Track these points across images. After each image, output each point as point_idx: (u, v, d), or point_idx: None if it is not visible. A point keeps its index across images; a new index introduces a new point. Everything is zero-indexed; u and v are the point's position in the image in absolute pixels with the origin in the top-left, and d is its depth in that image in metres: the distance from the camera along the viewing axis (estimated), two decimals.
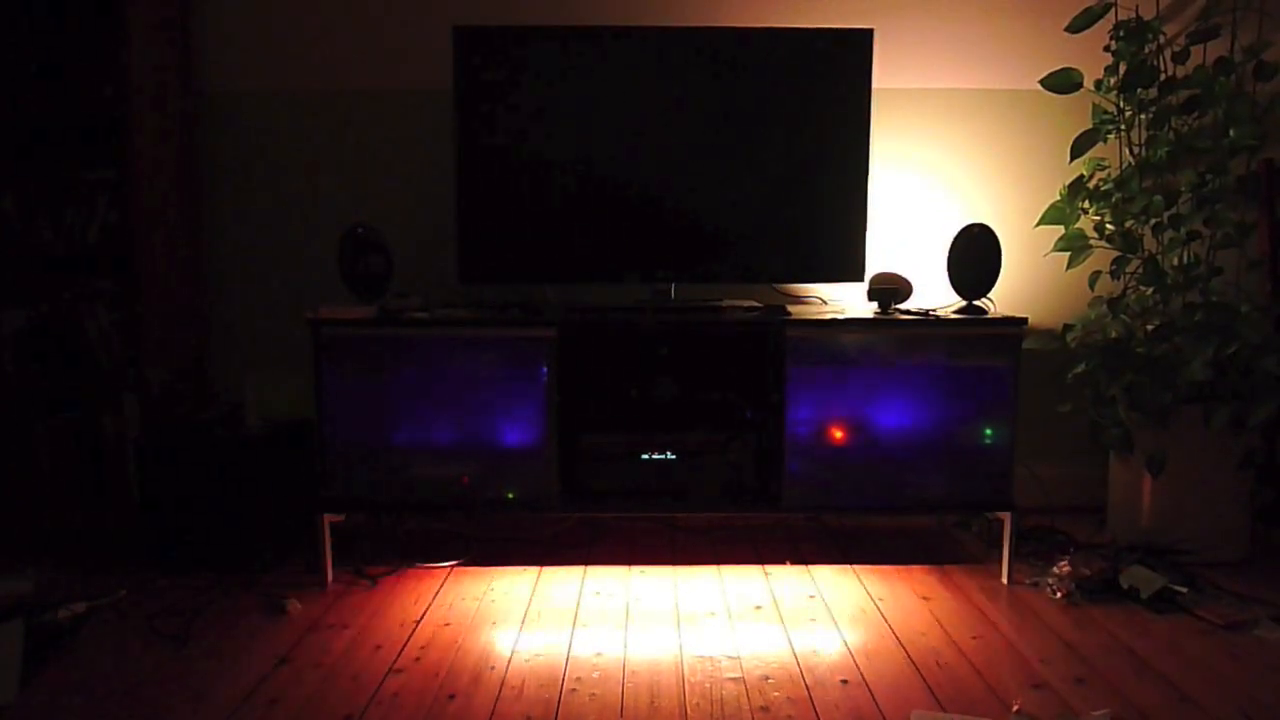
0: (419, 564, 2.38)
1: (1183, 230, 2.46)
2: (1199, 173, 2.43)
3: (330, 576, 2.27)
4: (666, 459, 2.30)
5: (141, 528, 2.34)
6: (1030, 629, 2.01)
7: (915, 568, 2.37)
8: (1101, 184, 2.56)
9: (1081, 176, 2.57)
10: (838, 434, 2.27)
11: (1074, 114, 2.62)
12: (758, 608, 2.12)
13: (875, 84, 2.43)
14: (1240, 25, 2.53)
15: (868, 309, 2.38)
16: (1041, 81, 2.53)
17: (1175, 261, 2.49)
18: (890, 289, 2.36)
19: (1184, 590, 2.13)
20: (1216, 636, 1.97)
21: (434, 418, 2.24)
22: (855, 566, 2.38)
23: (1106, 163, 2.58)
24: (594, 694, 1.72)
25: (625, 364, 2.36)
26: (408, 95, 2.70)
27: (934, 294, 2.58)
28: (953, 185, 2.75)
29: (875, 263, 2.61)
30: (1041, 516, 2.63)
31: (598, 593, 2.21)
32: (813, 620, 2.06)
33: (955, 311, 2.33)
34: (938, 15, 2.70)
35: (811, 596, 2.19)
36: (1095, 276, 2.61)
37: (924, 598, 2.18)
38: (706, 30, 2.41)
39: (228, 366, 2.78)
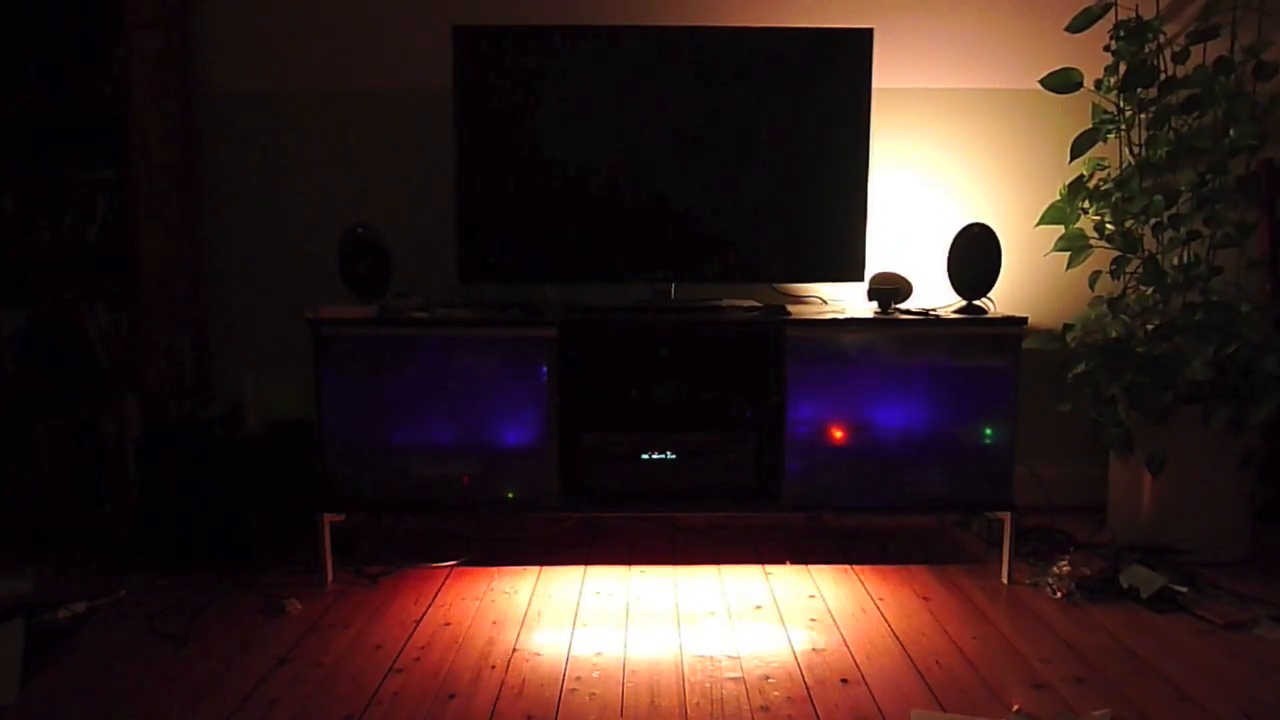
0: (419, 564, 2.38)
1: (1183, 230, 2.46)
2: (1199, 172, 2.43)
3: (330, 576, 2.27)
4: (666, 459, 2.30)
5: (141, 528, 2.34)
6: (1030, 629, 2.01)
7: (915, 568, 2.37)
8: (1101, 184, 2.57)
9: (1081, 176, 2.57)
10: (838, 434, 2.27)
11: (1074, 114, 2.62)
12: (758, 607, 2.12)
13: (875, 84, 2.43)
14: (1240, 25, 2.53)
15: (868, 309, 2.38)
16: (1041, 81, 2.53)
17: (1175, 261, 2.49)
18: (890, 289, 2.36)
19: (1184, 590, 2.13)
20: (1216, 636, 1.97)
21: (434, 417, 2.24)
22: (855, 566, 2.38)
23: (1106, 162, 2.58)
24: (594, 693, 1.72)
25: (625, 364, 2.36)
26: (408, 95, 2.70)
27: (934, 294, 2.58)
28: (953, 185, 2.75)
29: (875, 263, 2.61)
30: (1041, 516, 2.63)
31: (598, 592, 2.21)
32: (813, 620, 2.06)
33: (955, 311, 2.33)
34: (937, 15, 2.70)
35: (811, 596, 2.19)
36: (1095, 276, 2.61)
37: (924, 598, 2.18)
38: (707, 30, 2.41)
39: (228, 366, 2.78)
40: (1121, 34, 2.46)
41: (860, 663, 1.85)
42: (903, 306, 2.38)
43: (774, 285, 2.65)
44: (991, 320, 2.27)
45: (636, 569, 2.37)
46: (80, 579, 2.25)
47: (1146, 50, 2.46)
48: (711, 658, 1.87)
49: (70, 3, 2.48)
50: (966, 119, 2.73)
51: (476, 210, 2.42)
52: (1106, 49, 2.50)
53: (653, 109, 2.41)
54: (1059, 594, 2.16)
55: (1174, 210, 2.46)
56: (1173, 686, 1.75)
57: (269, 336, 2.77)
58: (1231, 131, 2.42)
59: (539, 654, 1.89)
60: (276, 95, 2.72)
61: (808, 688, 1.74)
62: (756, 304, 2.49)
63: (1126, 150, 2.54)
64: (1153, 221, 2.49)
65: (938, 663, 1.85)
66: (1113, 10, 2.49)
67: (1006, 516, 2.27)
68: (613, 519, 2.73)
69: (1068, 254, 2.59)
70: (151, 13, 2.50)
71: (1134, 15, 2.48)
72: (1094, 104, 2.56)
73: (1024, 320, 2.25)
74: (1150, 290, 2.47)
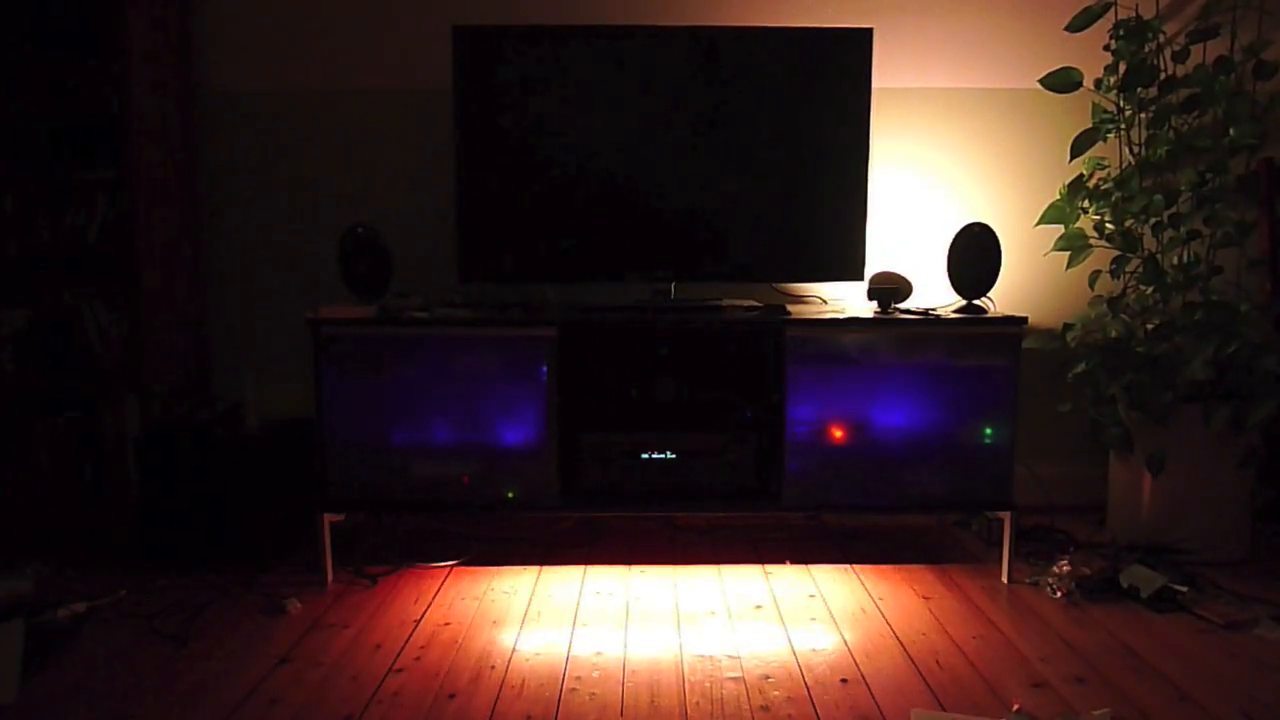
0: (419, 564, 2.38)
1: (1183, 229, 2.46)
2: (1199, 172, 2.43)
3: (330, 576, 2.27)
4: (666, 458, 2.30)
5: (141, 527, 2.35)
6: (1030, 628, 2.01)
7: (915, 567, 2.36)
8: (1101, 183, 2.56)
9: (1081, 176, 2.57)
10: (838, 433, 2.27)
11: (1074, 113, 2.62)
12: (758, 607, 2.12)
13: (875, 83, 2.43)
14: (1240, 24, 2.53)
15: (868, 308, 2.38)
16: (1041, 81, 2.53)
17: (1175, 260, 2.49)
18: (890, 288, 2.36)
19: (1184, 589, 2.13)
20: (1216, 636, 1.97)
21: (434, 417, 2.24)
22: (855, 566, 2.38)
23: (1106, 162, 2.58)
24: (594, 693, 1.72)
25: (625, 364, 2.36)
26: (408, 95, 2.70)
27: (934, 293, 2.58)
28: (952, 185, 2.75)
29: (875, 262, 2.61)
30: (1041, 516, 2.63)
31: (598, 592, 2.21)
32: (813, 620, 2.06)
33: (955, 311, 2.33)
34: (937, 15, 2.70)
35: (811, 596, 2.19)
36: (1095, 276, 2.60)
37: (924, 597, 2.18)
38: (707, 30, 2.41)
39: (228, 366, 2.78)
40: (1121, 33, 2.46)
41: (860, 662, 1.85)
42: (903, 306, 2.38)
43: (774, 285, 2.65)
44: (991, 320, 2.27)
45: (636, 569, 2.37)
46: (80, 579, 2.25)
47: (1146, 50, 2.45)
48: (711, 657, 1.87)
49: (70, 2, 2.48)
50: (966, 119, 2.73)
51: (476, 210, 2.42)
52: (1106, 48, 2.50)
53: (653, 109, 2.41)
54: (1059, 593, 2.16)
55: (1174, 210, 2.46)
56: (1173, 686, 1.75)
57: (269, 336, 2.77)
58: (1231, 131, 2.42)
59: (539, 654, 1.89)
60: (276, 95, 2.72)
61: (808, 687, 1.74)
62: (756, 304, 2.49)
63: (1126, 150, 2.54)
64: (1153, 221, 2.49)
65: (938, 662, 1.85)
66: (1112, 9, 2.49)
67: (1006, 516, 2.27)
68: (612, 519, 2.73)
69: (1068, 253, 2.59)
70: (152, 12, 2.50)
71: (1134, 14, 2.48)
72: (1094, 103, 2.56)
73: (1024, 320, 2.25)
74: (1150, 290, 2.47)
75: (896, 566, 2.37)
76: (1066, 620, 2.05)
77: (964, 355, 2.25)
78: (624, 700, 1.69)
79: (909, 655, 1.88)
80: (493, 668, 1.83)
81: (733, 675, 1.79)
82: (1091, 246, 2.56)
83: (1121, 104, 2.51)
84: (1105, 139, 2.54)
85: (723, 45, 2.39)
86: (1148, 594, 2.12)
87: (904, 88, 2.71)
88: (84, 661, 1.85)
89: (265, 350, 2.77)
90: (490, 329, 2.24)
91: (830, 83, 2.41)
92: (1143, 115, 2.50)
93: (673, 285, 2.48)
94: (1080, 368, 2.50)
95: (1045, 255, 2.69)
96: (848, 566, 2.38)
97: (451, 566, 2.37)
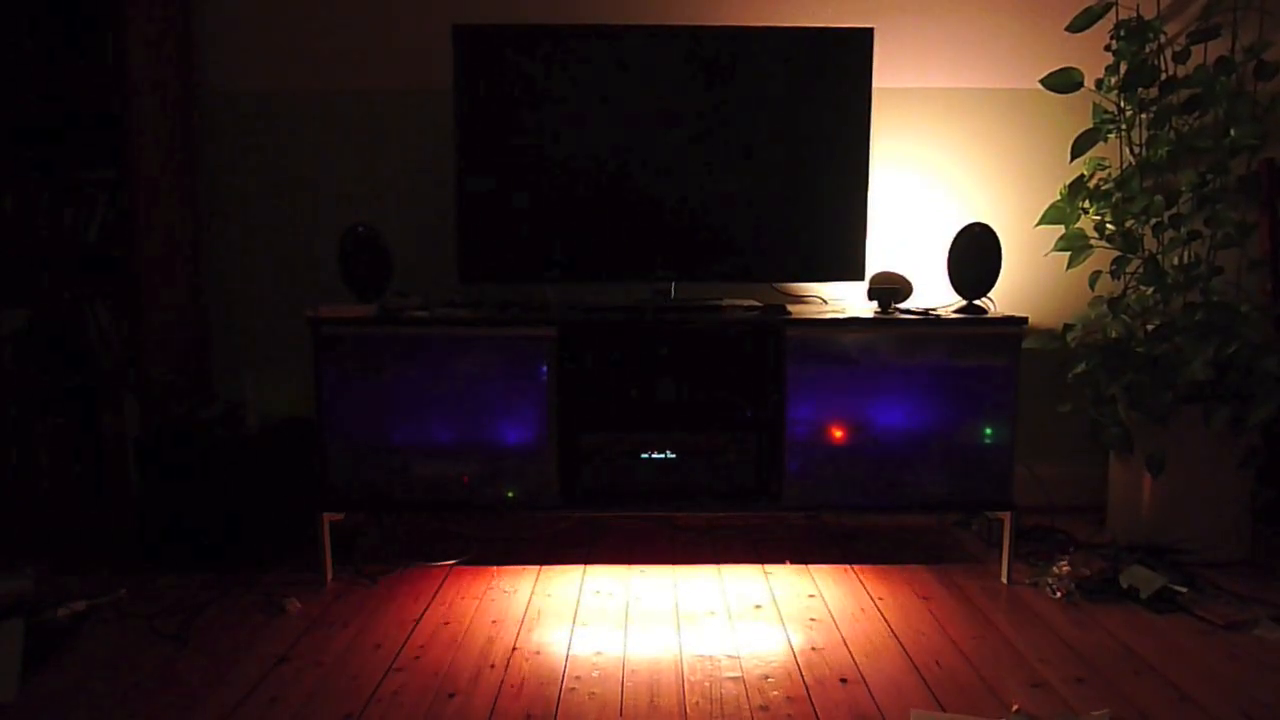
0: (419, 563, 2.38)
1: (1183, 230, 2.46)
2: (1200, 172, 2.43)
3: (330, 575, 2.27)
4: (666, 458, 2.30)
5: (141, 528, 2.35)
6: (1030, 629, 2.01)
7: (915, 567, 2.36)
8: (1102, 183, 2.56)
9: (1082, 176, 2.57)
10: (838, 433, 2.26)
11: (1074, 113, 2.62)
12: (758, 607, 2.12)
13: (875, 83, 2.42)
14: (1241, 25, 2.53)
15: (868, 308, 2.38)
16: (1042, 81, 2.53)
17: (1176, 261, 2.49)
18: (890, 288, 2.36)
19: (1184, 590, 2.13)
20: (1216, 636, 1.97)
21: (434, 417, 2.24)
22: (855, 566, 2.38)
23: (1107, 162, 2.57)
24: (594, 693, 1.72)
25: (625, 363, 2.36)
26: (408, 95, 2.70)
27: (934, 293, 2.57)
28: (953, 185, 2.75)
29: (875, 262, 2.61)
30: (1041, 516, 2.62)
31: (597, 592, 2.21)
32: (813, 620, 2.06)
33: (955, 311, 2.33)
34: (937, 15, 2.70)
35: (811, 596, 2.19)
36: (1095, 276, 2.60)
37: (924, 598, 2.18)
38: (707, 29, 2.41)
39: (228, 366, 2.78)
40: (1122, 34, 2.46)
41: (860, 662, 1.85)
42: (903, 306, 2.38)
43: (774, 285, 2.65)
44: (991, 320, 2.27)
45: (636, 568, 2.37)
46: (80, 579, 2.25)
47: (1147, 50, 2.45)
48: (711, 657, 1.87)
49: (70, 2, 2.48)
50: (967, 119, 2.73)
51: (477, 210, 2.42)
52: (1107, 49, 2.50)
53: (653, 108, 2.41)
54: (1059, 594, 2.16)
55: (1174, 210, 2.46)
56: (1172, 686, 1.75)
57: (269, 336, 2.77)
58: (1232, 131, 2.42)
59: (539, 653, 1.89)
60: (276, 95, 2.72)
61: (807, 687, 1.74)
62: (756, 304, 2.49)
63: (1127, 150, 2.54)
64: (1153, 221, 2.49)
65: (937, 662, 1.85)
66: (1113, 10, 2.49)
67: (1006, 516, 2.26)
68: (612, 518, 2.73)
69: (1068, 254, 2.59)
70: (152, 12, 2.50)
71: (1135, 15, 2.48)
72: (1094, 104, 2.56)
73: (1024, 320, 2.25)
74: (1150, 290, 2.47)
75: (896, 566, 2.37)
76: (1066, 621, 2.05)
77: (964, 355, 2.25)
78: (624, 700, 1.69)
79: (908, 655, 1.88)
80: (492, 667, 1.83)
81: (732, 675, 1.79)
82: (1092, 247, 2.56)
83: (1122, 104, 2.51)
84: (1106, 139, 2.54)
85: (723, 45, 2.39)
86: (1148, 594, 2.12)
87: (904, 88, 2.71)
88: (84, 661, 1.85)
89: (265, 350, 2.77)
90: (490, 329, 2.24)
91: (830, 83, 2.40)
92: (1143, 116, 2.50)
93: (673, 285, 2.47)
94: (1080, 368, 2.50)
95: (1046, 255, 2.69)
96: (847, 566, 2.38)
97: (451, 566, 2.37)
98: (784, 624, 2.03)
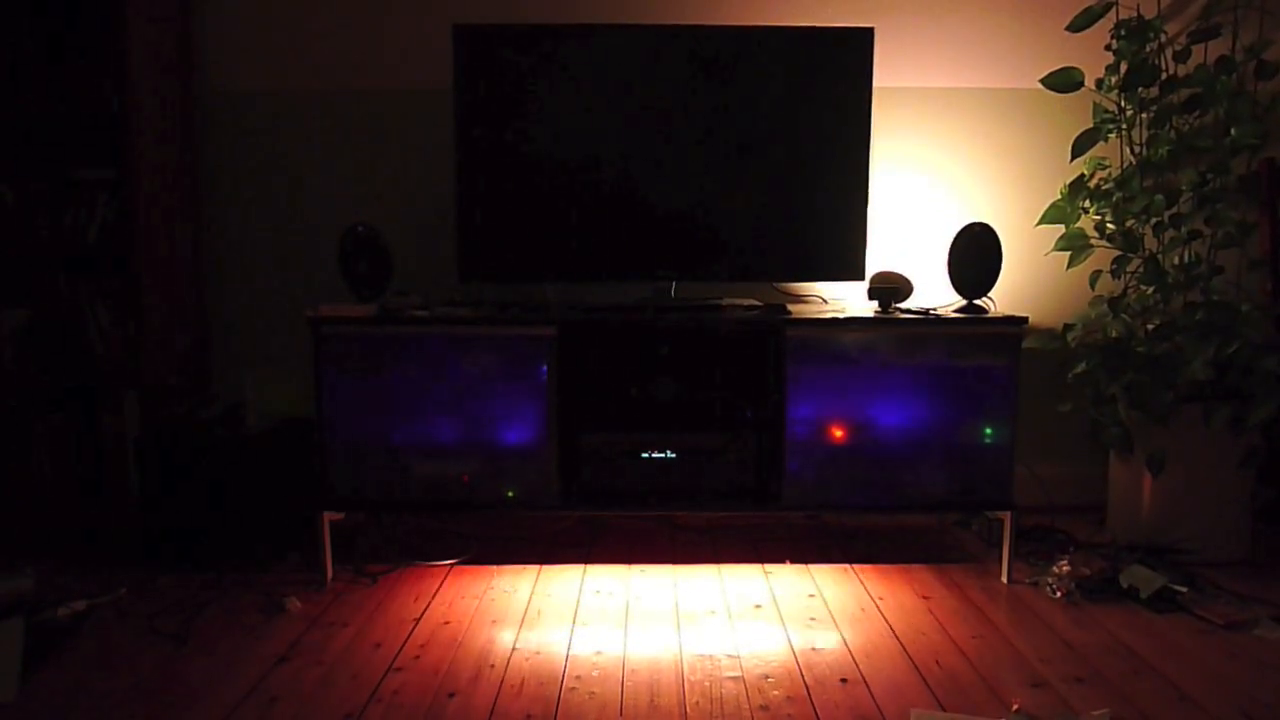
0: (419, 562, 2.38)
1: (1184, 229, 2.46)
2: (1200, 172, 2.42)
3: (330, 575, 2.27)
4: (666, 458, 2.30)
5: (141, 527, 2.35)
6: (1030, 628, 2.01)
7: (915, 567, 2.36)
8: (1102, 183, 2.56)
9: (1082, 175, 2.57)
10: (838, 433, 2.26)
11: (1075, 113, 2.62)
12: (758, 607, 2.12)
13: (875, 83, 2.42)
14: (1241, 24, 2.53)
15: (868, 308, 2.38)
16: (1042, 80, 2.53)
17: (1176, 261, 2.49)
18: (891, 288, 2.36)
19: (1184, 590, 2.13)
20: (1216, 636, 1.97)
21: (434, 416, 2.24)
22: (855, 566, 2.38)
23: (1107, 162, 2.57)
24: (593, 692, 1.72)
25: (625, 363, 2.36)
26: (408, 95, 2.70)
27: (934, 293, 2.57)
28: (953, 184, 2.75)
29: (875, 262, 2.60)
30: (1041, 516, 2.62)
31: (598, 591, 2.21)
32: (813, 620, 2.06)
33: (956, 311, 2.33)
34: (938, 14, 2.70)
35: (811, 596, 2.19)
36: (1096, 276, 2.60)
37: (924, 597, 2.18)
38: (707, 29, 2.41)
39: (228, 366, 2.78)
40: (1123, 33, 2.46)
41: (860, 662, 1.85)
42: (903, 306, 2.38)
43: (774, 284, 2.65)
44: (992, 320, 2.27)
45: (636, 568, 2.37)
46: (80, 578, 2.25)
47: (1148, 49, 2.45)
48: (711, 657, 1.87)
49: (71, 2, 2.48)
50: (967, 118, 2.73)
51: (476, 209, 2.42)
52: (1107, 48, 2.50)
53: (653, 108, 2.41)
54: (1059, 594, 2.16)
55: (1175, 210, 2.46)
56: (1173, 686, 1.75)
57: (269, 336, 2.77)
58: (1233, 131, 2.42)
59: (539, 653, 1.89)
60: (276, 95, 2.72)
61: (807, 687, 1.74)
62: (757, 303, 2.49)
63: (1127, 150, 2.54)
64: (1153, 221, 2.49)
65: (937, 662, 1.85)
66: (1114, 9, 2.49)
67: (1006, 516, 2.26)
68: (613, 518, 2.73)
69: (1068, 253, 2.59)
70: (152, 12, 2.50)
71: (1135, 14, 2.48)
72: (1095, 103, 2.56)
73: (1024, 320, 2.25)
74: (1151, 290, 2.47)
75: (896, 566, 2.37)
76: (1066, 620, 2.05)
77: (964, 355, 2.25)
78: (624, 699, 1.69)
79: (909, 655, 1.88)
80: (492, 666, 1.83)
81: (732, 675, 1.79)
82: (1092, 246, 2.56)
83: (1123, 104, 2.51)
84: (1106, 139, 2.54)
85: (723, 44, 2.39)
86: (1148, 594, 2.12)
87: (904, 87, 2.71)
88: (84, 660, 1.85)
89: (265, 350, 2.77)
90: (490, 328, 2.24)
91: (831, 82, 2.40)
92: (1144, 115, 2.50)
93: (673, 284, 2.47)
94: (1080, 368, 2.50)
95: (1046, 255, 2.69)
96: (847, 566, 2.38)
97: (451, 565, 2.37)
98: (784, 624, 2.03)
